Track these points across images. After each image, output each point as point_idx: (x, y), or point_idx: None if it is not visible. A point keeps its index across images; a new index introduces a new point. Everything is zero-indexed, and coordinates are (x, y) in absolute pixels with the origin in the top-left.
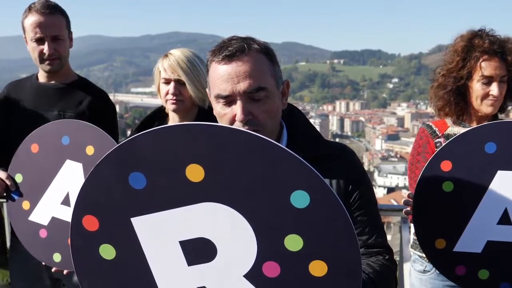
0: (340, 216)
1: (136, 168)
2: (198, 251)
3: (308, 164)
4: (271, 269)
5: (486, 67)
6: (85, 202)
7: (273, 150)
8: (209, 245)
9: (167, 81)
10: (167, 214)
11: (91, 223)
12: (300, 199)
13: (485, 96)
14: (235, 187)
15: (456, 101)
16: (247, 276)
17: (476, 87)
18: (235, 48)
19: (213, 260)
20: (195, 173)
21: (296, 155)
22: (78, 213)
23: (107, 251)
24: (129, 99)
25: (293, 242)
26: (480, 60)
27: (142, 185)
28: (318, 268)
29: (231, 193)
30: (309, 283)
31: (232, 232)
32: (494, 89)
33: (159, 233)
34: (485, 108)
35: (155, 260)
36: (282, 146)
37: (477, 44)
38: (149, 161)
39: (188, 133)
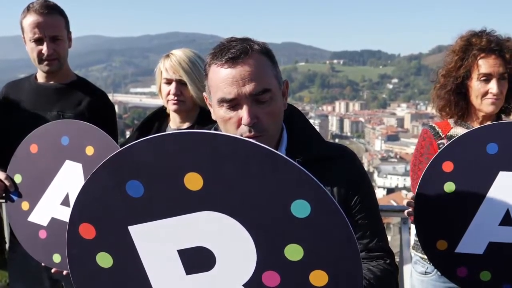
0: (342, 226)
1: (134, 176)
2: (197, 260)
3: (309, 173)
4: (271, 279)
5: (484, 64)
6: (81, 210)
7: (273, 159)
8: (207, 254)
9: (169, 81)
10: (165, 222)
11: (87, 231)
12: (300, 208)
13: (485, 94)
14: (234, 196)
15: (456, 100)
16: (247, 285)
17: (475, 85)
18: (238, 50)
19: (212, 269)
20: (193, 181)
21: (297, 164)
22: (74, 221)
23: (104, 259)
24: (128, 99)
25: (294, 252)
26: (478, 58)
27: (139, 193)
28: (318, 278)
29: (230, 202)
30: None
31: (231, 241)
32: (493, 86)
33: (157, 242)
34: (486, 107)
35: (153, 268)
36: (283, 155)
37: (474, 42)
38: (146, 169)
39: (186, 141)
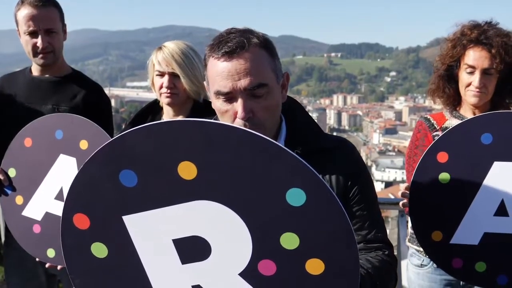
0: (337, 214)
1: (127, 165)
2: (192, 249)
3: (304, 161)
4: (267, 267)
5: (470, 55)
6: (75, 200)
7: (267, 147)
8: (203, 244)
9: (161, 74)
10: (160, 212)
11: (81, 221)
12: (296, 197)
13: (469, 85)
14: (228, 185)
15: (444, 86)
16: (243, 274)
17: (462, 76)
18: (235, 44)
19: (208, 259)
20: (187, 170)
21: (292, 152)
22: (68, 212)
23: (99, 250)
24: (124, 93)
25: (289, 240)
26: (466, 49)
27: (133, 183)
28: (315, 266)
29: (224, 191)
30: (305, 281)
31: (226, 230)
32: (475, 79)
33: (151, 232)
34: (469, 98)
35: (148, 258)
36: (277, 143)
37: (465, 33)
38: (139, 158)
39: (179, 130)
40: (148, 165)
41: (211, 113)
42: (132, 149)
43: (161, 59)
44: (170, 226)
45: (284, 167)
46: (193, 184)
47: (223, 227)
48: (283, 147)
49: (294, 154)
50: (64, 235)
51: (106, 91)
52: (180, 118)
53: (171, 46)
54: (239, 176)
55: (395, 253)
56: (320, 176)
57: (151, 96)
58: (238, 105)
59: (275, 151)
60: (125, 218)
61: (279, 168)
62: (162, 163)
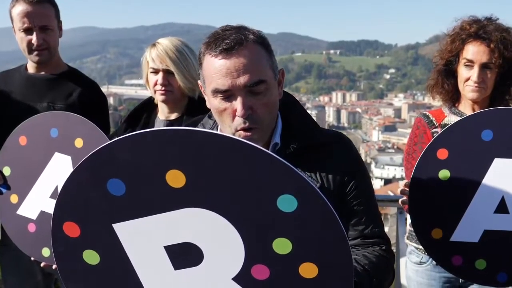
0: (330, 219)
1: (114, 174)
2: (184, 255)
3: (295, 168)
4: (260, 272)
5: (469, 50)
6: (64, 209)
7: (256, 155)
8: (195, 250)
9: (156, 71)
10: (150, 220)
11: (72, 229)
12: (287, 203)
13: (467, 80)
14: (218, 193)
15: (443, 82)
16: (236, 279)
17: (461, 70)
18: (233, 41)
19: (200, 264)
20: (175, 179)
21: (281, 159)
22: (58, 220)
23: (91, 257)
24: (123, 91)
25: (282, 246)
26: (465, 43)
27: (121, 192)
28: (308, 270)
29: (214, 198)
30: (299, 285)
31: (217, 237)
32: (473, 74)
33: (142, 239)
34: (467, 93)
35: (141, 264)
36: (266, 150)
37: (465, 27)
38: (127, 167)
39: (166, 139)
40: (135, 174)
41: (206, 110)
42: (119, 158)
43: (155, 56)
44: (160, 233)
45: (275, 174)
46: (182, 192)
47: (215, 234)
48: (273, 154)
49: (285, 161)
50: (55, 243)
51: (104, 89)
52: (175, 115)
53: (165, 42)
54: (228, 184)
55: (394, 249)
56: (313, 178)
57: (149, 93)
58: (238, 103)
59: (265, 158)
60: (115, 226)
61: (269, 175)
62: (149, 172)
